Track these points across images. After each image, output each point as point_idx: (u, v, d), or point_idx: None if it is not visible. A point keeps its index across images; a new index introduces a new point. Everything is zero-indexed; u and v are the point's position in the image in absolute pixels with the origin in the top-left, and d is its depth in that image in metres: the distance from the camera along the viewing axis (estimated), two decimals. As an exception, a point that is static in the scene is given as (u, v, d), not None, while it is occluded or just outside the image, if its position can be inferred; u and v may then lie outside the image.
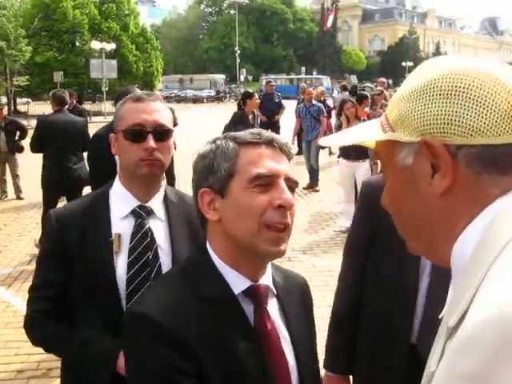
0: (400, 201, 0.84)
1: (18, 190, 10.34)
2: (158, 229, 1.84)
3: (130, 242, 1.78)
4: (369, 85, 17.75)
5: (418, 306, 1.79)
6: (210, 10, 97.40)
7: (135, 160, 1.76)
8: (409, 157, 0.79)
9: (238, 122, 8.07)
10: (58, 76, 32.42)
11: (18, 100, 37.03)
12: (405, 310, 1.80)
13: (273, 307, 1.31)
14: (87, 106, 38.08)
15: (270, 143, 1.24)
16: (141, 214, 1.81)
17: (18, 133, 10.07)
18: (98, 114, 33.33)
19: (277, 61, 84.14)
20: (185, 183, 11.71)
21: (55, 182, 6.88)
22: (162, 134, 1.80)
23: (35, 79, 36.16)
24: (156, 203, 1.87)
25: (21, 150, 9.97)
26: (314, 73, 72.09)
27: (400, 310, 1.81)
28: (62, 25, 38.66)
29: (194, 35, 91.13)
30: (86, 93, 42.03)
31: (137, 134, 1.77)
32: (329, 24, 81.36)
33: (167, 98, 48.06)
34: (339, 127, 7.83)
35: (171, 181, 10.29)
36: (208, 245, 1.29)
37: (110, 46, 34.39)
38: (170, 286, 1.25)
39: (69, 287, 1.78)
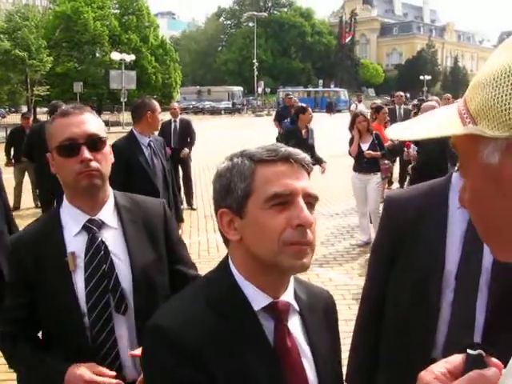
0: (482, 204, 0.72)
1: (36, 198, 10.43)
2: (113, 238, 1.84)
3: (85, 258, 1.78)
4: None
5: (442, 321, 1.75)
6: (228, 22, 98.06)
7: (73, 174, 1.74)
8: (494, 154, 0.66)
9: (289, 137, 7.96)
10: (78, 86, 32.83)
11: (38, 109, 37.44)
12: (427, 324, 1.77)
13: (294, 324, 1.29)
14: (106, 116, 38.51)
15: (286, 159, 1.20)
16: (92, 229, 1.80)
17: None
18: (117, 124, 33.65)
19: (294, 73, 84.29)
20: (201, 190, 11.80)
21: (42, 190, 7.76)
22: (95, 142, 1.78)
23: (55, 89, 36.58)
24: (107, 213, 1.86)
25: (42, 159, 10.06)
26: (332, 86, 72.12)
27: (422, 325, 1.78)
28: (82, 36, 39.19)
29: (213, 47, 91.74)
30: (105, 103, 42.46)
31: (69, 148, 1.74)
32: (347, 40, 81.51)
33: (185, 110, 48.35)
34: (351, 141, 7.79)
35: (189, 182, 10.36)
36: (230, 261, 1.28)
37: (130, 58, 34.72)
38: (190, 300, 1.25)
39: (35, 309, 1.80)
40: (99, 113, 40.65)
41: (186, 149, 10.00)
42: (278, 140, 13.61)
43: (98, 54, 41.06)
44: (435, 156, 6.20)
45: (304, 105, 8.52)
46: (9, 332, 1.85)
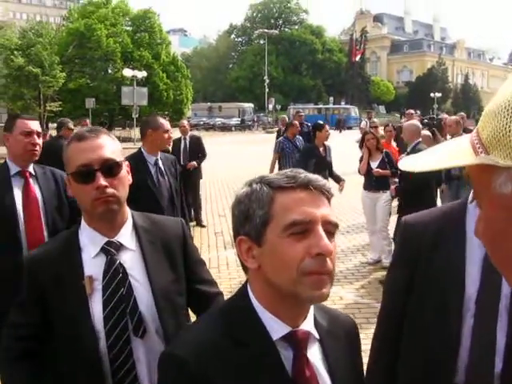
0: (495, 233, 0.71)
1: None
2: (131, 261, 1.82)
3: (103, 281, 1.76)
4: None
5: (463, 347, 1.72)
6: (239, 39, 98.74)
7: (89, 201, 1.74)
8: (507, 184, 0.66)
9: (309, 155, 7.88)
10: (90, 102, 33.12)
11: (50, 125, 37.78)
12: (448, 350, 1.74)
13: (314, 353, 1.26)
14: (117, 132, 38.78)
15: (306, 186, 1.18)
16: (110, 251, 1.79)
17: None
18: (128, 140, 33.85)
19: (305, 90, 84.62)
20: (211, 207, 11.82)
21: None
22: (111, 168, 1.77)
23: (67, 105, 36.95)
24: (125, 235, 1.84)
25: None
26: (343, 103, 72.35)
27: (443, 350, 1.75)
28: (95, 52, 39.65)
29: (224, 64, 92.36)
30: (117, 119, 42.80)
31: (85, 174, 1.74)
32: (357, 58, 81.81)
33: (196, 126, 48.59)
34: (362, 158, 7.79)
35: (198, 199, 10.37)
36: (249, 288, 1.26)
37: (142, 74, 35.03)
38: (207, 328, 1.24)
39: (47, 330, 1.78)
40: (110, 128, 40.96)
41: (193, 162, 10.02)
42: (278, 134, 13.46)
43: (110, 71, 41.54)
44: (420, 185, 6.17)
45: (321, 122, 8.40)
46: (11, 349, 1.82)
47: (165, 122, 4.88)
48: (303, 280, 1.14)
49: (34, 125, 3.34)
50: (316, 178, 1.21)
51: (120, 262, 1.79)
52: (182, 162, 9.83)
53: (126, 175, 1.83)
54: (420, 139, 6.64)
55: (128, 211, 1.89)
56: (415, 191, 6.21)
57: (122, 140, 32.03)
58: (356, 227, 10.30)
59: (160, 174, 4.78)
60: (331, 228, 1.19)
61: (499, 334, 1.66)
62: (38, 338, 1.80)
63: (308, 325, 1.25)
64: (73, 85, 38.11)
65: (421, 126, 6.99)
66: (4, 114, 34.52)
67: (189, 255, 1.99)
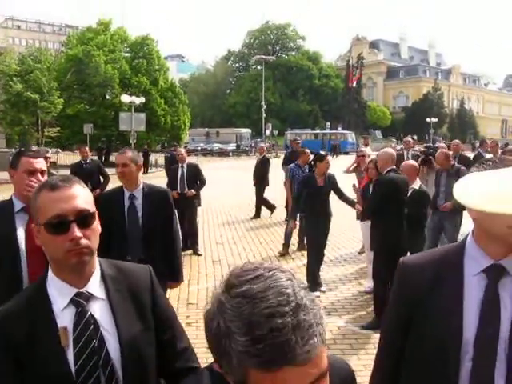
0: None
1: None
2: (100, 310, 1.77)
3: (74, 333, 1.70)
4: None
5: None
6: (237, 65, 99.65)
7: (62, 252, 1.68)
8: None
9: (304, 185, 7.87)
10: (88, 128, 33.27)
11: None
12: None
13: None
14: (115, 157, 38.79)
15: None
16: (80, 302, 1.73)
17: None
18: (125, 165, 33.85)
19: (302, 116, 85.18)
20: (209, 235, 11.80)
21: None
22: (85, 218, 1.72)
23: (66, 131, 37.10)
24: (94, 284, 1.79)
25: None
26: (339, 128, 72.77)
27: None
28: (93, 78, 39.83)
29: (222, 90, 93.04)
30: (115, 144, 42.92)
31: (58, 225, 1.68)
32: (354, 84, 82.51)
33: (194, 151, 48.75)
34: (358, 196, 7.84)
35: (194, 227, 10.35)
36: None
37: (140, 100, 35.17)
38: None
39: None
40: (108, 154, 41.02)
41: (191, 190, 10.10)
42: (285, 159, 13.65)
43: (108, 97, 41.72)
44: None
45: (323, 153, 8.43)
46: None
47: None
48: None
49: (39, 163, 3.29)
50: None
51: (91, 313, 1.73)
52: (178, 190, 9.91)
53: (98, 225, 1.79)
54: (393, 166, 6.65)
55: (96, 260, 1.84)
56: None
57: (120, 165, 32.07)
58: (353, 255, 10.28)
59: (135, 209, 4.47)
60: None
61: (497, 377, 1.65)
62: None
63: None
64: (71, 110, 38.31)
65: (394, 153, 6.99)
66: (2, 139, 34.64)
67: (157, 303, 1.93)
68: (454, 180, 5.38)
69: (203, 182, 10.35)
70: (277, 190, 15.00)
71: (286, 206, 12.02)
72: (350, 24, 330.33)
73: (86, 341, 1.70)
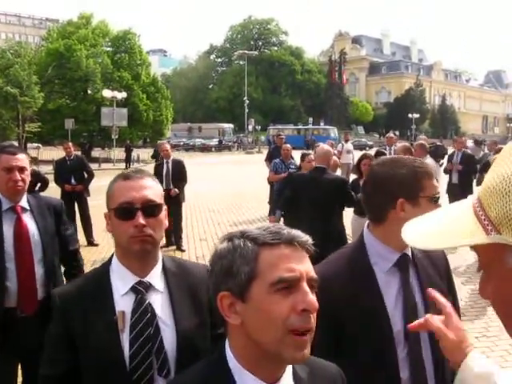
0: (508, 299, 0.76)
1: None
2: (159, 302, 1.85)
3: (131, 319, 1.78)
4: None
5: (403, 371, 1.79)
6: (219, 60, 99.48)
7: (126, 237, 1.78)
8: None
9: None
10: (69, 123, 32.98)
11: (29, 145, 37.49)
12: (392, 368, 1.79)
13: None
14: (96, 152, 38.57)
15: (290, 242, 1.18)
16: (140, 290, 1.82)
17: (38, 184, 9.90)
18: (107, 160, 33.70)
19: (284, 111, 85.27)
20: (193, 231, 11.75)
21: None
22: (152, 209, 1.82)
23: (47, 125, 36.69)
24: (155, 276, 1.87)
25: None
26: (322, 123, 72.87)
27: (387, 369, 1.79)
28: (75, 73, 39.49)
29: (204, 85, 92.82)
30: (96, 140, 42.63)
31: (126, 211, 1.79)
32: (344, 80, 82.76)
33: (176, 147, 48.56)
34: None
35: (179, 223, 10.30)
36: (227, 345, 1.25)
37: (121, 95, 35.02)
38: None
39: (77, 366, 1.78)
40: (90, 149, 40.76)
41: (175, 189, 10.05)
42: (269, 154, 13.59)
43: (89, 91, 41.30)
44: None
45: (308, 152, 8.63)
46: None
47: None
48: (287, 339, 1.13)
49: (17, 160, 3.24)
50: (299, 234, 1.21)
51: (149, 302, 1.82)
52: (164, 186, 9.82)
53: (164, 218, 1.88)
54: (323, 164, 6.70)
55: (159, 253, 1.93)
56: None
57: (102, 161, 31.89)
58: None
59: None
60: (313, 283, 1.19)
61: (425, 357, 1.81)
62: (67, 376, 1.78)
63: (286, 380, 1.24)
64: (52, 105, 37.88)
65: (332, 150, 7.06)
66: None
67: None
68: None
69: (185, 181, 10.31)
70: (260, 187, 15.00)
71: (270, 202, 12.04)
72: (332, 20, 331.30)
73: (142, 327, 1.78)
